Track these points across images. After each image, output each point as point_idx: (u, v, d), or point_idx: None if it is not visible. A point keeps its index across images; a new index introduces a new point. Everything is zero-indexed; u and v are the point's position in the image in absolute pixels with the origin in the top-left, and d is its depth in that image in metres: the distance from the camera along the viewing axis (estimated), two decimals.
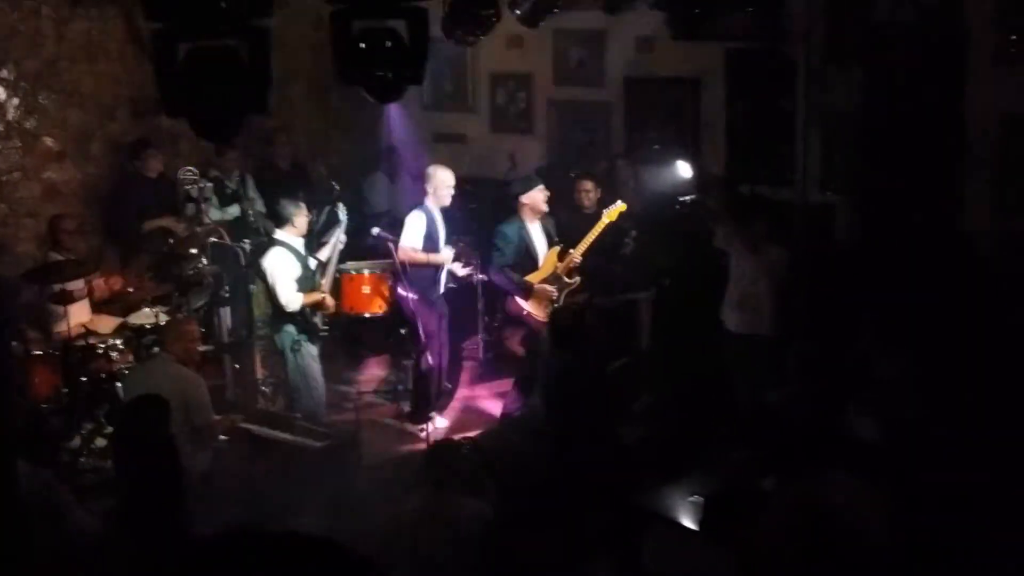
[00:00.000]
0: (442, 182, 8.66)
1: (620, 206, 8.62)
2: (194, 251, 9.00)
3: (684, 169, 9.10)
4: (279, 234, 8.21)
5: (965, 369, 7.15)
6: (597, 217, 8.66)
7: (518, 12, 8.38)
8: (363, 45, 5.58)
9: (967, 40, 8.33)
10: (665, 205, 9.38)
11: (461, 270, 9.13)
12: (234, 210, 9.82)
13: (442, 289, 8.91)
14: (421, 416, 8.70)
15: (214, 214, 9.59)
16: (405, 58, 5.63)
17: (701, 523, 6.01)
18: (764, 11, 8.97)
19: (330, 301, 8.35)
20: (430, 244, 8.66)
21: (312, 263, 8.34)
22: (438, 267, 8.79)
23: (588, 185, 9.10)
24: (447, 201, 8.74)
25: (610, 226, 8.62)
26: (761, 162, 9.64)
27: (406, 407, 9.09)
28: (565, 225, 8.96)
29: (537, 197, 8.69)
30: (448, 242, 8.87)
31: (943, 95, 8.44)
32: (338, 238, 8.51)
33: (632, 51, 10.55)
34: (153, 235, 9.33)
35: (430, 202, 8.70)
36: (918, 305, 7.85)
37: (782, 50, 9.31)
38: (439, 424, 8.79)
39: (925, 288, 7.95)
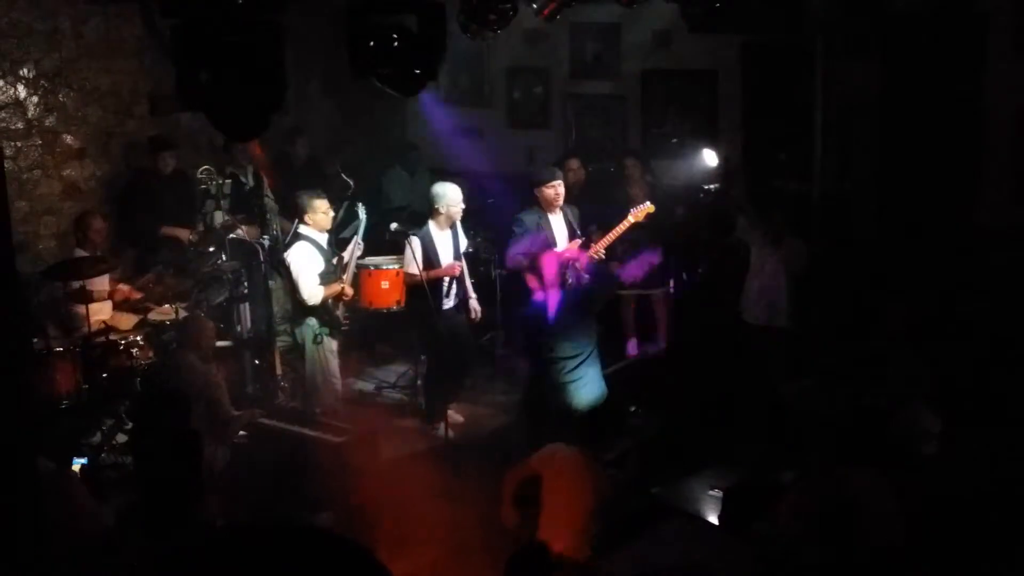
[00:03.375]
0: (451, 200, 8.53)
1: (648, 207, 8.55)
2: (213, 248, 9.05)
3: (710, 157, 9.07)
4: (303, 228, 8.23)
5: (980, 363, 7.13)
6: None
7: (535, 6, 8.38)
8: (376, 41, 5.61)
9: (985, 31, 8.28)
10: (685, 197, 9.37)
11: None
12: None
13: (452, 303, 8.72)
14: (434, 415, 8.71)
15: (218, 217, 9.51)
16: (421, 53, 5.65)
17: (721, 516, 6.01)
18: (781, 3, 8.94)
19: (349, 290, 8.38)
20: (429, 266, 8.46)
21: (334, 257, 8.38)
22: (444, 282, 8.60)
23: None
24: (457, 218, 8.64)
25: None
26: (778, 154, 9.61)
27: (423, 402, 9.09)
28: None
29: (547, 193, 8.59)
30: (457, 255, 8.71)
31: (961, 86, 8.40)
32: (356, 242, 8.51)
33: (648, 44, 10.53)
34: (167, 241, 9.37)
35: (433, 223, 8.57)
36: (934, 298, 7.83)
37: (799, 42, 9.27)
38: (455, 419, 8.80)
39: (941, 281, 7.93)
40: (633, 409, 7.93)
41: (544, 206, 8.61)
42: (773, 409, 7.05)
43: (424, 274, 8.32)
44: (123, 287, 8.79)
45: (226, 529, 5.36)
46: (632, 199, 8.87)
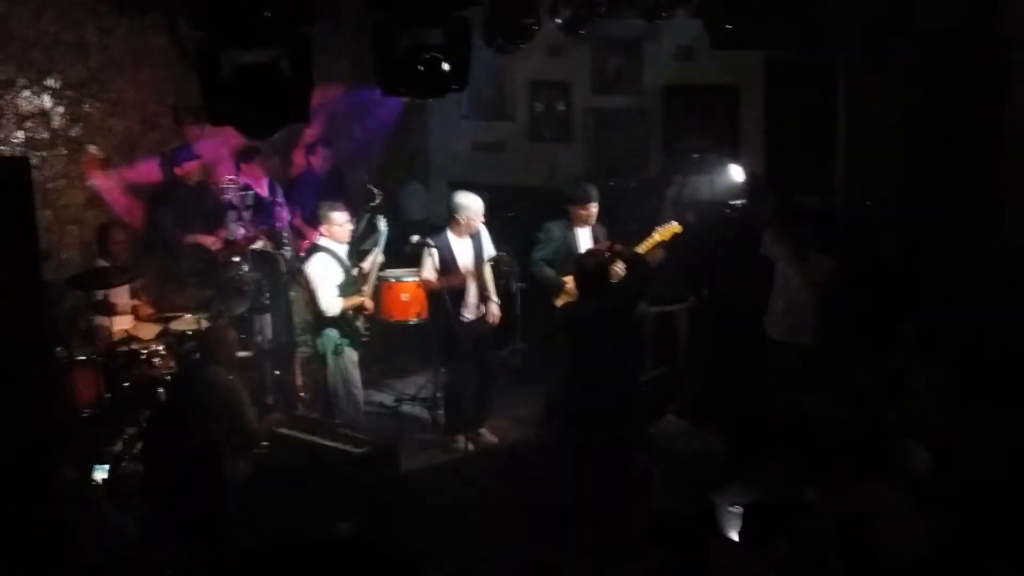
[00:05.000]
0: (473, 212, 8.53)
1: (674, 226, 8.55)
2: (235, 258, 9.08)
3: (736, 173, 9.06)
4: (322, 240, 8.27)
5: (1002, 382, 7.10)
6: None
7: (558, 21, 8.39)
8: (402, 55, 5.64)
9: (1010, 47, 8.26)
10: (709, 213, 9.34)
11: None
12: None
13: (472, 314, 8.69)
14: (453, 428, 8.72)
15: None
16: (445, 66, 5.69)
17: (741, 532, 5.99)
18: (804, 19, 8.93)
19: (369, 303, 8.38)
20: (446, 273, 8.46)
21: (354, 269, 8.39)
22: (461, 291, 8.56)
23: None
24: (476, 228, 8.65)
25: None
26: (801, 171, 9.59)
27: (442, 415, 9.08)
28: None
29: (580, 213, 8.66)
30: (479, 262, 8.69)
31: (984, 104, 8.37)
32: (376, 256, 8.51)
33: (671, 59, 10.53)
34: (192, 248, 9.41)
35: (451, 231, 8.58)
36: (957, 317, 7.80)
37: (822, 58, 9.27)
38: (489, 440, 8.85)
39: (965, 299, 7.89)
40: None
41: (574, 221, 8.66)
42: (795, 425, 7.03)
43: (436, 282, 8.36)
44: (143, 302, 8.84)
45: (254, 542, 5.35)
46: (659, 215, 8.90)
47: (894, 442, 6.03)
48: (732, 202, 8.81)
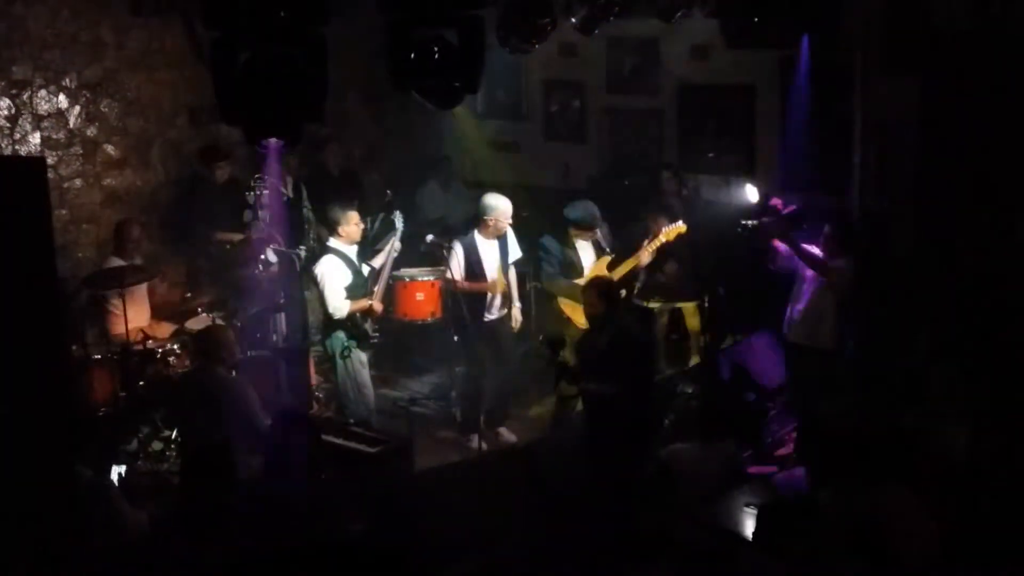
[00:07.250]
0: (502, 214, 8.52)
1: (680, 227, 8.51)
2: (250, 257, 9.10)
3: (751, 193, 8.93)
4: (332, 241, 8.27)
5: (1020, 384, 7.06)
6: None
7: (574, 20, 8.38)
8: (417, 54, 5.64)
9: None
10: (721, 214, 9.31)
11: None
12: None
13: (495, 315, 8.71)
14: (469, 428, 8.71)
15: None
16: (460, 66, 5.68)
17: (754, 533, 5.97)
18: (820, 19, 8.90)
19: (378, 307, 8.35)
20: (472, 274, 8.53)
21: (365, 270, 8.37)
22: (484, 294, 8.59)
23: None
24: (504, 230, 8.63)
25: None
26: (816, 171, 9.54)
27: (458, 414, 9.09)
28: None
29: (582, 234, 8.66)
30: (505, 265, 8.70)
31: (1002, 103, 8.33)
32: (393, 245, 8.49)
33: (686, 59, 10.49)
34: (219, 245, 9.43)
35: (479, 233, 8.60)
36: (975, 318, 7.76)
37: (838, 58, 9.22)
38: (508, 439, 8.85)
39: (983, 301, 7.85)
40: None
41: (576, 237, 8.66)
42: (811, 426, 7.00)
43: (462, 283, 8.33)
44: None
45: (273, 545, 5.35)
46: (666, 212, 8.85)
47: (911, 445, 6.01)
48: (744, 222, 8.61)
